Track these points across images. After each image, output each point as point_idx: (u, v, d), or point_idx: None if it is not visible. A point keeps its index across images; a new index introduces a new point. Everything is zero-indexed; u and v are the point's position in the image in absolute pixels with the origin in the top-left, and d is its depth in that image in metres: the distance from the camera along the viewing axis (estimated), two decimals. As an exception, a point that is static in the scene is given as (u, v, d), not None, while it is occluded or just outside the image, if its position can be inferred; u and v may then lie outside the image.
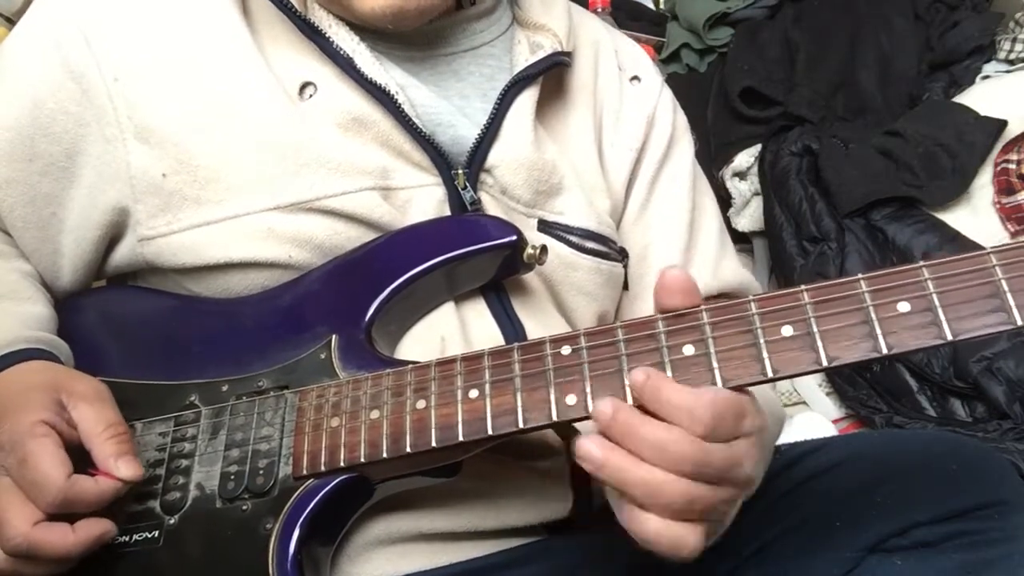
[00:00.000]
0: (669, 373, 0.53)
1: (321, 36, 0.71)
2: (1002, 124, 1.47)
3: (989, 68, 1.64)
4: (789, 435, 1.27)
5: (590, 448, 0.51)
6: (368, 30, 0.73)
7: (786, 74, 1.69)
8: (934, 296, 0.49)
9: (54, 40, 0.70)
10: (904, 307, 0.49)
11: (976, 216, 1.44)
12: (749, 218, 1.67)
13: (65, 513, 0.57)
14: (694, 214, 0.84)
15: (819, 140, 1.55)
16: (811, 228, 1.49)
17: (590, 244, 0.76)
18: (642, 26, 1.94)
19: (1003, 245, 0.49)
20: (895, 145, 1.49)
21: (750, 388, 0.53)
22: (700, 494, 0.50)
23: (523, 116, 0.74)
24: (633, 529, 0.51)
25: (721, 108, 1.74)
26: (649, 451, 0.49)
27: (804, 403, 1.47)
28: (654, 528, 0.50)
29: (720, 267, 0.84)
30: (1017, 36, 1.61)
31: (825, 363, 0.50)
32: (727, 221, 1.66)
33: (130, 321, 0.75)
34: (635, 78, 0.86)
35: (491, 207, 0.73)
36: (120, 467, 0.59)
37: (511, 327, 0.71)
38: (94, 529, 0.58)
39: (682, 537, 0.50)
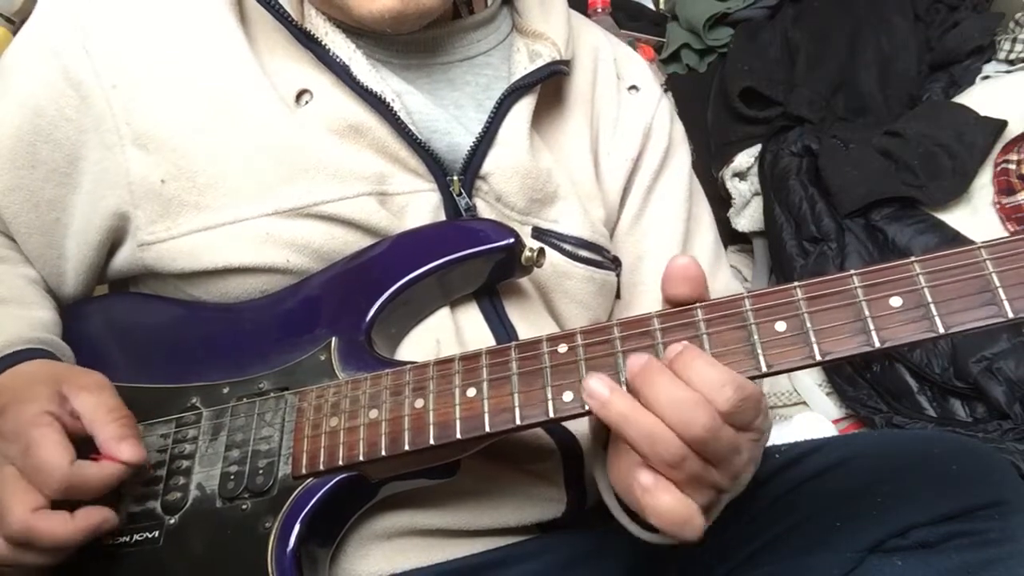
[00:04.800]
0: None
1: (317, 44, 0.71)
2: (1002, 124, 1.46)
3: (989, 68, 1.63)
4: (789, 435, 1.26)
5: (596, 385, 0.50)
6: (365, 37, 0.73)
7: (786, 74, 1.68)
8: (926, 290, 0.49)
9: (53, 48, 0.71)
10: (896, 302, 0.49)
11: (976, 216, 1.44)
12: (749, 218, 1.66)
13: (70, 501, 0.57)
14: (689, 225, 0.85)
15: (819, 140, 1.54)
16: (811, 228, 1.49)
17: (584, 253, 0.76)
18: (642, 26, 1.93)
19: (993, 240, 0.49)
20: (895, 145, 1.48)
21: None
22: (694, 465, 0.49)
23: (519, 124, 0.74)
24: (646, 502, 0.49)
25: (721, 108, 1.73)
26: (666, 404, 0.48)
27: (804, 403, 1.47)
28: (666, 502, 0.48)
29: (714, 280, 0.84)
30: (1017, 36, 1.61)
31: (818, 357, 0.50)
32: (727, 221, 1.66)
33: (132, 327, 0.75)
34: (633, 87, 0.86)
35: (486, 213, 0.74)
36: (123, 449, 0.59)
37: (504, 332, 0.71)
38: (94, 517, 0.58)
39: (692, 516, 0.49)
